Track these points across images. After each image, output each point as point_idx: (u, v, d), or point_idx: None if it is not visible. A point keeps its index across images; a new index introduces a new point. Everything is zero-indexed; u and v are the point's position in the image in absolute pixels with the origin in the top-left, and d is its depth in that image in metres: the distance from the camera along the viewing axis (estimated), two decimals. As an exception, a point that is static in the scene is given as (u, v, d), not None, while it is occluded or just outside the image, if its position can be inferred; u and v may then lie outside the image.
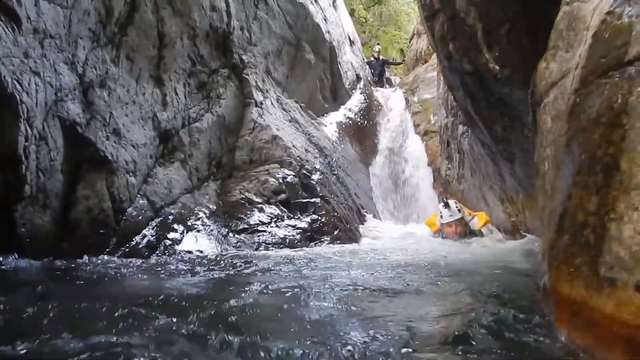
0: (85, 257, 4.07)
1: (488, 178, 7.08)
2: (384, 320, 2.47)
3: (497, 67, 4.71)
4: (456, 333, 2.24)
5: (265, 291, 3.09)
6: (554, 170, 2.18)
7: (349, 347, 1.99)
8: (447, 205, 6.24)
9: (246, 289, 3.15)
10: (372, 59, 17.00)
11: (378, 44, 19.42)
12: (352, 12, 19.26)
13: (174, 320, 2.30)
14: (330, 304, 2.78)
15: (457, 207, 6.26)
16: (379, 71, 16.95)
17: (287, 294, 3.00)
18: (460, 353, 1.91)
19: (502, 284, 3.27)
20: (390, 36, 23.44)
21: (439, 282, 3.47)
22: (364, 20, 23.02)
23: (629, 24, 1.80)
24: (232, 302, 2.73)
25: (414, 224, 8.95)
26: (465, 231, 6.29)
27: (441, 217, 6.34)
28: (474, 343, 2.02)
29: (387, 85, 16.82)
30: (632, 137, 1.61)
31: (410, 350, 2.00)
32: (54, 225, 4.06)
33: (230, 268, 4.13)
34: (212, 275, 3.81)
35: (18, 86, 3.78)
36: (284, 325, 2.43)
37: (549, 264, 1.92)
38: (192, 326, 2.24)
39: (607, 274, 1.55)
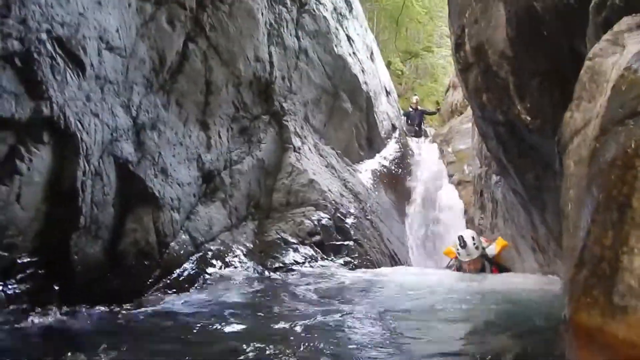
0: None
1: (520, 227, 7.10)
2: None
3: (529, 118, 4.86)
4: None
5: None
6: (576, 210, 2.32)
7: None
8: (464, 245, 6.02)
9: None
10: (411, 109, 17.11)
11: (415, 94, 19.67)
12: (388, 65, 19.74)
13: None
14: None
15: (474, 244, 6.01)
16: (418, 121, 16.93)
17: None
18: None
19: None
20: (426, 89, 23.85)
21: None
22: (400, 73, 23.52)
23: (643, 78, 1.98)
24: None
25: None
26: (483, 263, 6.12)
27: (459, 254, 6.22)
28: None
29: (423, 137, 16.85)
30: (643, 178, 1.77)
31: None
32: (103, 255, 4.32)
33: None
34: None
35: (80, 126, 4.14)
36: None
37: (569, 297, 2.04)
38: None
39: (620, 302, 1.68)
